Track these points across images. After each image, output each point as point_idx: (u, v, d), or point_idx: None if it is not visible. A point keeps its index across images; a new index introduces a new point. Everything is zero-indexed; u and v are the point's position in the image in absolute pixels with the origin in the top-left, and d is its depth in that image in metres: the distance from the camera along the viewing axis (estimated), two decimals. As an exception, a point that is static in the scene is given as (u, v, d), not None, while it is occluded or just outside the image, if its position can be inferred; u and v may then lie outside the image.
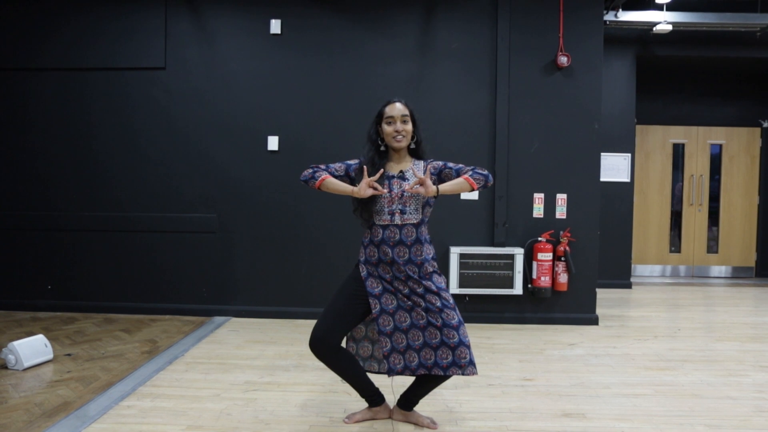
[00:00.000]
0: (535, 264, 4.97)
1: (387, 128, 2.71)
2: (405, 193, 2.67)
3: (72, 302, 5.22)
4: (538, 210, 5.07)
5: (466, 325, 4.90)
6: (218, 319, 5.07)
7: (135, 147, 5.18)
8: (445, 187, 2.61)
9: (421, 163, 2.78)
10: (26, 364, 3.62)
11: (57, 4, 5.16)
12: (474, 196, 5.06)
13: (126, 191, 5.19)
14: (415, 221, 2.69)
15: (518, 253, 4.93)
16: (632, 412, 3.09)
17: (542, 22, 5.01)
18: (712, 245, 8.05)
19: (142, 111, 5.17)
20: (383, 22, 5.08)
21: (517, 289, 4.94)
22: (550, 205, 5.07)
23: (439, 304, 2.65)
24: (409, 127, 2.73)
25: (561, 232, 5.01)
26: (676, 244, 8.02)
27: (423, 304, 2.66)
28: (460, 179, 2.64)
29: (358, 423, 2.88)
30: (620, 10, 6.09)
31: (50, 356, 3.80)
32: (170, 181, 5.17)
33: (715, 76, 7.77)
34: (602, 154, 6.09)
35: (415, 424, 2.87)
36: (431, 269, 2.71)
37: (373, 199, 2.68)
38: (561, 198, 5.06)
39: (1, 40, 5.20)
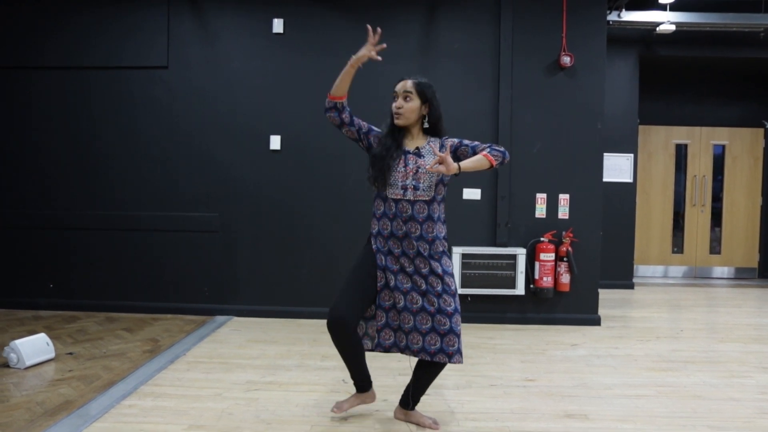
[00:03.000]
0: (537, 264, 4.96)
1: (393, 104, 2.72)
2: (420, 169, 2.65)
3: (74, 301, 5.22)
4: (540, 210, 5.06)
5: (468, 325, 4.92)
6: (220, 318, 5.07)
7: (137, 146, 5.19)
8: (466, 164, 2.56)
9: (437, 141, 2.76)
10: (28, 363, 3.62)
11: (59, 2, 5.16)
12: (476, 195, 5.05)
13: (128, 190, 5.19)
14: (426, 198, 2.66)
15: (520, 253, 4.92)
16: (634, 413, 3.08)
17: (545, 22, 5.00)
18: (715, 246, 8.03)
19: (144, 110, 5.17)
20: (386, 22, 5.04)
21: (520, 290, 4.93)
22: (552, 206, 5.06)
23: (439, 288, 2.65)
24: (412, 104, 2.70)
25: (563, 233, 5.00)
26: (678, 244, 8.00)
27: (423, 286, 2.66)
28: (479, 156, 2.60)
29: (347, 411, 2.88)
30: (623, 10, 6.08)
31: (52, 355, 3.80)
32: (172, 180, 5.17)
33: (719, 76, 7.75)
34: (605, 154, 6.07)
35: (417, 424, 2.86)
36: (441, 248, 2.70)
37: (389, 170, 2.66)
38: (563, 198, 5.05)
39: (4, 38, 5.20)
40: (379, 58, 2.63)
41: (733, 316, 5.62)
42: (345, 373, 3.59)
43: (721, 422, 2.97)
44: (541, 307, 5.09)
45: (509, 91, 5.00)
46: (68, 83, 5.20)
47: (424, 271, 2.66)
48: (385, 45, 2.66)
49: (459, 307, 2.68)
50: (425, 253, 2.66)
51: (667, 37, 6.52)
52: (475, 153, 2.65)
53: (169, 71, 5.14)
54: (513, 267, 4.93)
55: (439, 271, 2.66)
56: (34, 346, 3.70)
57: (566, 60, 4.94)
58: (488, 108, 5.04)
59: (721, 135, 7.92)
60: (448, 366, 3.79)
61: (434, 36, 5.06)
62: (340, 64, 5.19)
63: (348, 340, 2.70)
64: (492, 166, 2.60)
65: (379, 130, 2.80)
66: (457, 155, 2.70)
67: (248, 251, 5.14)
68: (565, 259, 4.94)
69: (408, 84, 2.72)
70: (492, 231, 5.07)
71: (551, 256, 4.94)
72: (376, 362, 3.84)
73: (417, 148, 2.72)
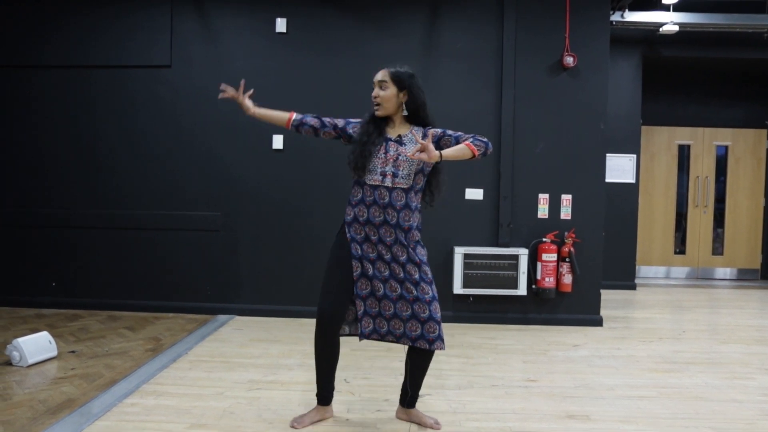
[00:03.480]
0: (539, 265, 4.96)
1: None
2: (400, 157, 2.66)
3: (76, 299, 5.23)
4: (542, 210, 5.06)
5: (470, 325, 4.92)
6: (222, 317, 5.07)
7: (140, 145, 5.19)
8: (448, 152, 2.58)
9: (420, 129, 2.77)
10: (30, 361, 3.62)
11: (61, 1, 5.16)
12: (479, 196, 5.05)
13: (130, 189, 5.20)
14: (405, 186, 2.68)
15: (522, 253, 4.92)
16: (636, 414, 3.07)
17: (548, 22, 5.00)
18: (717, 247, 8.02)
19: (147, 109, 5.18)
20: (388, 22, 5.08)
21: (522, 290, 4.93)
22: (555, 206, 5.05)
23: (417, 276, 2.66)
24: (388, 92, 2.71)
25: (566, 233, 4.99)
26: (681, 245, 7.99)
27: (402, 274, 2.67)
28: (461, 145, 2.62)
29: (308, 426, 2.82)
30: (627, 10, 6.07)
31: (54, 353, 3.80)
32: (175, 179, 5.17)
33: (722, 77, 7.74)
34: (608, 154, 6.05)
35: (419, 423, 2.86)
36: (417, 238, 2.71)
37: (369, 156, 2.67)
38: (566, 199, 5.04)
39: (6, 37, 5.21)
40: (248, 106, 2.90)
41: (736, 317, 5.61)
42: (347, 373, 3.60)
43: (724, 424, 2.97)
44: (543, 308, 5.08)
45: (512, 91, 5.00)
46: (71, 82, 5.21)
47: (402, 258, 2.67)
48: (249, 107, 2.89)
49: (437, 295, 2.70)
50: (402, 239, 2.66)
51: (670, 37, 6.51)
52: (458, 143, 2.67)
53: (172, 70, 5.15)
54: (515, 267, 4.92)
55: (416, 259, 2.67)
56: (36, 345, 3.70)
57: (569, 60, 4.94)
58: (491, 108, 5.04)
59: (724, 136, 7.91)
60: (450, 366, 3.81)
61: (436, 36, 5.06)
62: (342, 64, 5.22)
63: (332, 339, 2.73)
64: (474, 156, 2.63)
65: (357, 120, 2.82)
66: (440, 145, 2.70)
67: (250, 250, 5.15)
68: (567, 259, 4.94)
69: (383, 73, 2.74)
70: (494, 231, 5.07)
71: (553, 257, 4.93)
72: (377, 362, 3.85)
73: (399, 135, 2.73)
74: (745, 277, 7.98)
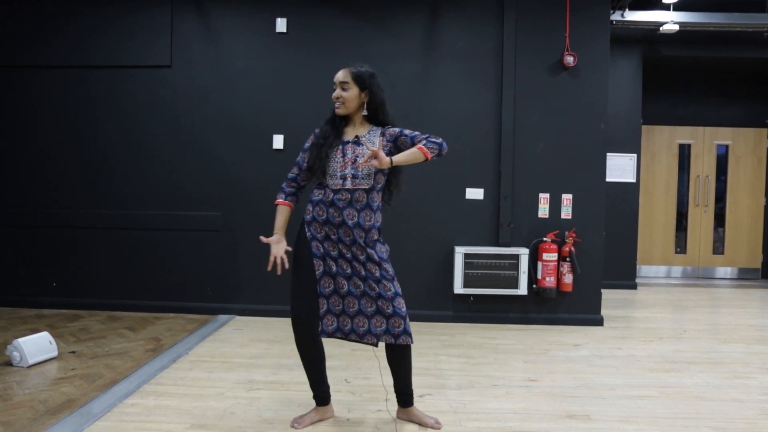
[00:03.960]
0: (540, 264, 4.95)
1: (333, 93, 2.75)
2: (359, 158, 2.67)
3: (77, 300, 5.23)
4: (543, 210, 5.05)
5: (471, 324, 4.92)
6: (222, 317, 5.07)
7: (140, 145, 5.19)
8: (399, 158, 2.61)
9: (378, 130, 2.77)
10: (31, 362, 3.62)
11: (62, 1, 5.16)
12: (479, 195, 5.04)
13: (131, 189, 5.20)
14: (366, 186, 2.69)
15: (523, 253, 4.92)
16: (637, 413, 3.07)
17: (548, 21, 4.99)
18: (718, 246, 8.01)
19: (147, 109, 5.18)
20: (389, 21, 5.07)
21: (522, 290, 4.93)
22: (555, 206, 5.05)
23: (378, 274, 2.67)
24: (350, 93, 2.72)
25: (566, 233, 4.99)
26: (681, 245, 7.99)
27: (363, 272, 2.67)
28: (413, 149, 2.65)
29: (309, 426, 2.83)
30: (627, 9, 6.07)
31: (55, 353, 3.80)
32: (175, 179, 5.17)
33: (722, 76, 7.73)
34: (608, 154, 6.05)
35: (419, 423, 2.85)
36: (376, 236, 2.73)
37: (326, 159, 2.69)
38: (566, 198, 5.04)
39: (6, 37, 5.21)
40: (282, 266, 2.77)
41: (736, 316, 5.61)
42: (347, 373, 3.60)
43: (724, 423, 2.96)
44: (543, 308, 5.08)
45: (512, 90, 4.99)
46: (71, 82, 5.21)
47: (362, 257, 2.68)
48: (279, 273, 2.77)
49: (399, 291, 2.70)
50: (360, 241, 2.67)
51: (670, 36, 6.50)
52: (414, 144, 2.69)
53: (172, 70, 5.15)
54: (516, 267, 4.92)
55: (376, 258, 2.68)
56: (36, 345, 3.70)
57: (569, 60, 4.93)
58: (491, 108, 5.04)
59: (724, 135, 7.90)
60: (450, 366, 3.81)
61: (437, 36, 5.05)
62: (343, 64, 5.20)
63: (312, 342, 2.73)
64: (427, 158, 2.65)
65: (310, 138, 2.85)
66: (397, 145, 2.73)
67: (251, 250, 5.14)
68: (567, 259, 4.93)
69: (344, 73, 2.74)
70: (495, 231, 5.06)
71: (554, 256, 4.93)
72: (378, 362, 3.84)
73: (356, 136, 2.74)
74: (745, 277, 7.97)
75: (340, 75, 2.75)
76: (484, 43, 5.03)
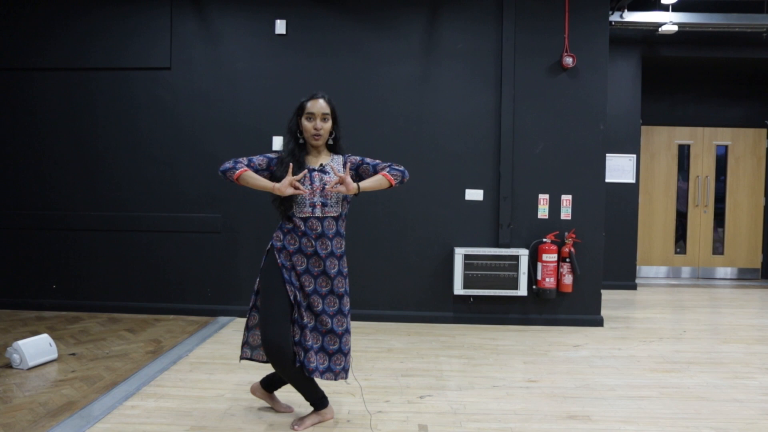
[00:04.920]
0: (539, 265, 4.95)
1: (306, 124, 2.73)
2: (326, 186, 2.68)
3: (77, 302, 5.23)
4: (543, 211, 5.05)
5: (471, 325, 4.92)
6: (222, 319, 5.07)
7: (140, 147, 5.19)
8: (366, 184, 2.65)
9: (340, 158, 2.79)
10: (31, 364, 3.62)
11: (62, 4, 5.17)
12: (479, 196, 5.05)
13: (131, 191, 5.20)
14: (335, 214, 2.72)
15: (523, 254, 4.92)
16: (637, 414, 3.07)
17: (547, 22, 5.00)
18: (718, 247, 8.01)
19: (147, 111, 5.18)
20: (388, 23, 5.08)
21: (522, 290, 4.93)
22: (555, 206, 5.05)
23: (335, 308, 2.72)
24: (329, 125, 2.74)
25: (566, 233, 4.99)
26: (681, 245, 7.99)
27: (320, 306, 2.70)
28: (378, 176, 2.69)
29: (309, 428, 2.84)
30: (626, 10, 6.07)
31: (55, 356, 3.80)
32: (175, 181, 5.18)
33: (721, 76, 7.74)
34: (607, 154, 6.07)
35: (273, 408, 2.99)
36: (345, 265, 2.78)
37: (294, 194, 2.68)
38: (566, 199, 5.04)
39: (7, 39, 5.22)
40: (305, 191, 2.65)
41: (737, 317, 5.61)
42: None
43: (725, 423, 2.97)
44: (543, 308, 5.08)
45: (512, 91, 5.00)
46: (71, 84, 5.21)
47: (324, 290, 2.71)
48: (305, 191, 2.66)
49: (350, 327, 2.77)
50: (332, 270, 2.70)
51: (669, 37, 6.51)
52: (376, 172, 2.73)
53: (172, 72, 5.15)
54: (515, 268, 4.92)
55: (341, 290, 2.73)
56: (37, 347, 3.70)
57: (569, 60, 4.94)
58: (491, 108, 5.04)
59: (723, 135, 7.91)
60: (450, 367, 3.81)
61: (437, 36, 5.06)
62: (342, 65, 5.21)
63: (291, 366, 2.69)
64: (391, 185, 2.70)
65: (274, 155, 2.79)
66: (359, 173, 2.77)
67: (251, 252, 5.14)
68: (567, 259, 4.93)
69: (324, 105, 2.74)
70: (494, 232, 5.07)
71: (554, 257, 4.93)
72: (378, 363, 3.85)
73: (321, 165, 2.74)
74: (745, 277, 7.97)
75: (323, 106, 2.73)
76: (483, 44, 5.03)
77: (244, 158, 2.74)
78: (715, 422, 2.98)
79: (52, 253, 5.26)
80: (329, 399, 2.94)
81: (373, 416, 2.99)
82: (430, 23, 5.06)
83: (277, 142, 5.08)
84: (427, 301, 5.07)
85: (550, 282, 4.94)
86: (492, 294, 4.96)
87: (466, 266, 4.92)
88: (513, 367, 3.86)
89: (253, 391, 3.04)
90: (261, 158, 2.77)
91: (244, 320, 5.04)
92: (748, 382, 3.63)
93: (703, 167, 7.93)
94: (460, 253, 4.91)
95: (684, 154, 7.93)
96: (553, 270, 4.94)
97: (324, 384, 3.45)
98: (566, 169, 5.03)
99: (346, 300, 2.75)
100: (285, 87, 5.08)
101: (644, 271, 7.89)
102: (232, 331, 4.72)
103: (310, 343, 2.67)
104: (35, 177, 5.26)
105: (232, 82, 5.14)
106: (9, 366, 3.65)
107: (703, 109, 7.85)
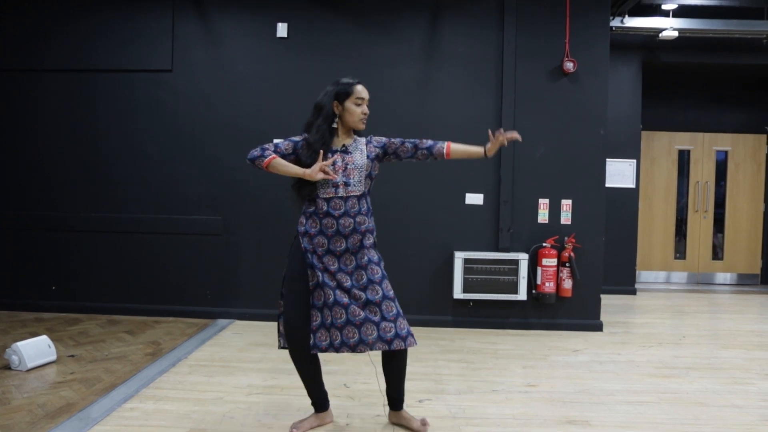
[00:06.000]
0: (539, 270, 4.95)
1: (356, 109, 2.75)
2: (349, 166, 2.70)
3: (76, 303, 5.22)
4: (543, 215, 5.06)
5: (470, 330, 4.91)
6: (222, 321, 5.07)
7: (141, 149, 5.20)
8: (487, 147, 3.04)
9: (363, 139, 2.83)
10: (30, 365, 3.62)
11: (64, 5, 5.18)
12: (479, 200, 5.05)
13: (131, 193, 5.20)
14: (358, 193, 2.72)
15: (523, 258, 4.92)
16: (636, 419, 3.07)
17: (548, 27, 5.01)
18: (718, 252, 8.02)
19: (148, 113, 5.19)
20: (390, 26, 5.09)
21: (522, 295, 4.93)
22: (555, 211, 5.05)
23: (364, 280, 2.67)
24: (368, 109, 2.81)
25: (566, 238, 5.00)
26: (681, 250, 7.99)
27: (348, 282, 2.67)
28: (472, 147, 3.01)
29: (308, 431, 2.83)
30: (626, 16, 6.09)
31: (54, 357, 3.80)
32: (175, 183, 5.18)
33: (721, 82, 7.75)
34: (607, 159, 6.06)
35: (407, 426, 2.85)
36: (371, 240, 2.76)
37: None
38: (566, 204, 5.05)
39: (8, 41, 5.22)
40: (335, 176, 2.67)
41: (736, 322, 5.61)
42: (347, 377, 3.59)
43: (724, 429, 2.96)
44: (543, 313, 5.08)
45: (512, 95, 5.01)
46: (72, 86, 5.22)
47: (350, 267, 2.69)
48: (335, 177, 2.68)
49: (389, 293, 2.69)
50: (355, 245, 2.69)
51: (669, 43, 6.53)
52: (404, 144, 2.80)
53: (173, 74, 5.16)
54: (515, 272, 4.92)
55: (364, 261, 2.69)
56: (35, 349, 3.70)
57: (569, 65, 4.95)
58: (491, 112, 5.05)
59: (723, 141, 7.92)
60: (450, 371, 3.80)
61: (437, 40, 5.07)
62: (344, 68, 5.19)
63: (308, 356, 2.70)
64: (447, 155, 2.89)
65: (299, 138, 2.79)
66: (386, 149, 2.81)
67: (251, 254, 5.15)
68: (567, 264, 4.94)
69: (366, 91, 2.81)
70: (494, 236, 5.07)
71: (553, 262, 4.93)
72: (377, 367, 3.83)
73: (344, 145, 2.77)
74: (745, 282, 7.97)
75: (367, 93, 2.80)
76: (484, 48, 5.05)
77: (270, 144, 2.77)
78: (714, 428, 2.98)
79: (52, 254, 5.26)
80: (331, 401, 2.94)
81: (372, 420, 2.99)
82: (431, 27, 5.07)
83: (278, 145, 5.08)
84: (426, 304, 5.07)
85: (549, 286, 4.94)
86: (491, 298, 4.96)
87: (466, 270, 4.92)
88: (512, 372, 3.86)
89: (390, 420, 2.93)
90: (287, 143, 2.79)
91: (243, 323, 5.04)
92: (747, 387, 3.63)
93: (703, 173, 7.93)
94: (459, 257, 4.91)
95: (684, 159, 7.94)
96: (553, 274, 4.94)
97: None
98: (566, 174, 5.04)
99: (375, 269, 2.69)
100: (286, 90, 5.09)
101: (644, 276, 7.89)
102: (232, 333, 4.71)
103: (343, 319, 2.63)
104: (35, 178, 5.26)
105: (234, 85, 5.15)
106: (8, 367, 3.64)
107: (703, 115, 7.87)
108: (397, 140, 2.82)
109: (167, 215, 5.18)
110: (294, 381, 3.56)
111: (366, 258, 2.70)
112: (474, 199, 5.06)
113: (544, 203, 5.06)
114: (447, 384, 3.56)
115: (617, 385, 3.64)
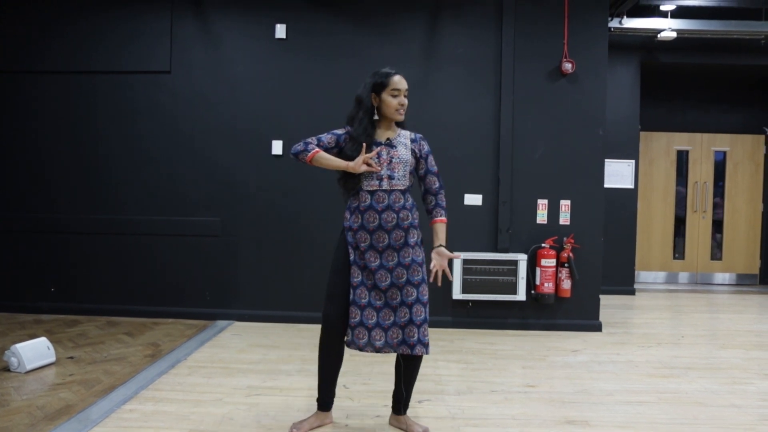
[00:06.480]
0: (538, 270, 4.96)
1: (392, 100, 2.71)
2: (394, 159, 2.69)
3: (75, 305, 5.22)
4: (541, 216, 5.06)
5: (469, 330, 4.92)
6: (221, 322, 5.06)
7: (139, 150, 5.20)
8: (442, 241, 2.77)
9: (407, 133, 2.81)
10: (29, 367, 3.62)
11: (62, 7, 5.18)
12: (478, 201, 5.06)
13: (130, 194, 5.20)
14: (402, 187, 2.71)
15: (522, 259, 4.92)
16: (636, 419, 3.07)
17: (547, 28, 5.02)
18: (716, 252, 8.03)
19: (147, 114, 5.19)
20: (389, 28, 5.09)
21: (521, 296, 4.93)
22: (553, 211, 5.06)
23: (403, 279, 2.66)
24: (406, 101, 2.77)
25: (564, 239, 5.00)
26: (679, 250, 8.00)
27: (388, 280, 2.66)
28: (442, 227, 2.80)
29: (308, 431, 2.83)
30: (625, 16, 6.10)
31: (53, 359, 3.79)
32: (174, 184, 5.18)
33: (720, 83, 7.77)
34: (606, 160, 6.07)
35: (406, 431, 2.85)
36: (416, 236, 2.74)
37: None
38: (565, 204, 5.05)
39: (7, 43, 5.22)
40: (379, 168, 2.67)
41: (735, 322, 5.61)
42: (346, 379, 3.59)
43: (723, 429, 2.97)
44: (542, 313, 5.08)
45: (511, 96, 5.01)
46: (71, 88, 5.22)
47: (391, 263, 2.68)
48: (379, 169, 2.67)
49: (423, 297, 2.68)
50: (398, 242, 2.67)
51: (668, 44, 6.54)
52: (427, 177, 2.80)
53: (172, 76, 5.16)
54: (514, 273, 4.92)
55: (408, 260, 2.68)
56: (34, 350, 3.70)
57: (568, 66, 4.95)
58: (490, 113, 5.05)
59: (722, 141, 7.93)
60: (449, 371, 3.81)
61: (437, 41, 5.07)
62: (342, 69, 5.21)
63: (337, 348, 2.72)
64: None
65: (341, 131, 2.79)
66: (417, 166, 2.79)
67: (250, 256, 5.15)
68: (566, 264, 4.94)
69: (405, 82, 2.76)
70: (493, 237, 5.07)
71: (552, 262, 4.93)
72: (377, 368, 3.84)
73: (388, 138, 2.75)
74: (743, 282, 7.99)
75: (405, 83, 2.75)
76: (483, 49, 5.05)
77: (313, 138, 2.76)
78: (713, 428, 2.98)
79: (51, 256, 5.25)
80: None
81: (371, 421, 2.99)
82: (430, 28, 5.08)
83: (277, 146, 5.09)
84: (425, 305, 5.06)
85: (548, 287, 4.94)
86: (490, 299, 4.96)
87: (465, 271, 4.92)
88: (511, 372, 3.86)
89: (391, 423, 2.94)
90: (329, 136, 2.78)
91: (242, 324, 5.04)
92: (746, 387, 3.64)
93: (701, 173, 7.95)
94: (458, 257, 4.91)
95: (683, 159, 7.95)
96: (552, 275, 4.94)
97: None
98: (565, 175, 5.04)
99: (417, 269, 2.68)
100: (285, 91, 5.09)
101: (643, 276, 7.90)
102: (231, 334, 4.71)
103: (374, 321, 2.65)
104: (34, 180, 5.26)
105: (232, 86, 5.15)
106: (7, 369, 3.64)
107: (701, 115, 7.88)
108: (430, 165, 2.81)
109: (166, 216, 5.18)
110: (293, 382, 3.56)
111: (410, 257, 2.68)
112: (473, 199, 5.06)
113: (542, 204, 5.06)
114: (446, 384, 3.57)
115: (616, 385, 3.64)
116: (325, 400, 2.87)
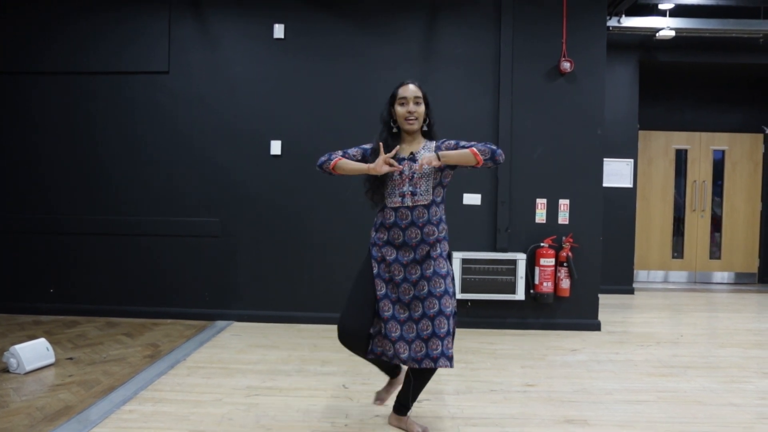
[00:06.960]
0: (537, 269, 4.96)
1: (400, 110, 2.69)
2: (415, 174, 2.65)
3: (74, 306, 5.22)
4: (540, 215, 5.06)
5: (469, 330, 4.92)
6: (220, 323, 5.07)
7: (138, 151, 5.19)
8: (449, 153, 2.56)
9: (433, 143, 2.75)
10: (28, 368, 3.62)
11: (61, 8, 5.18)
12: (477, 201, 5.06)
13: (129, 195, 5.20)
14: (425, 202, 2.66)
15: (521, 258, 4.92)
16: (635, 418, 3.08)
17: (545, 27, 5.02)
18: (715, 251, 8.03)
19: (145, 115, 5.18)
20: (387, 28, 5.09)
21: (520, 295, 4.93)
22: (552, 211, 5.06)
23: (425, 291, 2.63)
24: (422, 109, 2.71)
25: (563, 238, 5.00)
26: (678, 249, 8.01)
27: (411, 293, 2.65)
28: (464, 150, 2.58)
29: (388, 400, 2.92)
30: (623, 15, 6.10)
31: (52, 360, 3.79)
32: (173, 185, 5.18)
33: (718, 82, 7.77)
34: (605, 159, 6.08)
35: (406, 431, 2.85)
36: (440, 250, 2.68)
37: (384, 182, 2.67)
38: (563, 203, 5.05)
39: (5, 43, 5.22)
40: (400, 167, 2.62)
41: (733, 321, 5.62)
42: (345, 378, 3.60)
43: (721, 427, 2.97)
44: (541, 313, 5.08)
45: (510, 96, 5.01)
46: (70, 88, 5.21)
47: (415, 276, 2.65)
48: (399, 167, 2.62)
49: (446, 309, 2.63)
50: (421, 255, 2.65)
51: (666, 42, 6.54)
52: (458, 146, 2.67)
53: (170, 76, 5.16)
54: (513, 272, 4.93)
55: (429, 272, 2.64)
56: (34, 351, 3.70)
57: (566, 65, 4.96)
58: (489, 113, 5.06)
59: (720, 140, 7.94)
60: (449, 371, 3.80)
61: (435, 41, 5.07)
62: (341, 69, 5.21)
63: (362, 349, 2.71)
64: (478, 163, 2.56)
65: (368, 145, 2.80)
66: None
67: (249, 256, 5.15)
68: (565, 264, 4.94)
69: (415, 89, 2.71)
70: (492, 236, 5.07)
71: (551, 262, 4.94)
72: (376, 368, 3.83)
73: (411, 153, 2.71)
74: (742, 281, 7.99)
75: (414, 90, 2.69)
76: (481, 49, 5.05)
77: (339, 150, 2.76)
78: (712, 426, 2.99)
79: (50, 257, 5.25)
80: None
81: (371, 421, 2.99)
82: (428, 28, 5.08)
83: (275, 147, 5.09)
84: (424, 305, 5.07)
85: (547, 286, 4.95)
86: (489, 298, 4.96)
87: (464, 270, 4.92)
88: (511, 372, 3.87)
89: (390, 422, 2.95)
90: (355, 150, 2.78)
91: (242, 324, 5.04)
92: (744, 386, 3.64)
93: (700, 172, 7.95)
94: (457, 257, 4.92)
95: (681, 158, 7.96)
96: (551, 274, 4.94)
97: (323, 388, 3.45)
98: (564, 174, 5.05)
99: (439, 281, 2.64)
100: (283, 91, 5.09)
101: (641, 275, 7.91)
102: (230, 335, 4.71)
103: (397, 333, 2.64)
104: (33, 181, 5.26)
105: (231, 86, 5.15)
106: (6, 370, 3.64)
107: (700, 115, 7.89)
108: (464, 144, 2.64)
109: (165, 217, 5.18)
110: (293, 382, 3.57)
111: (432, 269, 2.65)
112: (471, 199, 5.07)
113: (541, 203, 5.06)
114: (446, 384, 3.57)
115: (615, 384, 3.64)
116: (388, 373, 2.90)
